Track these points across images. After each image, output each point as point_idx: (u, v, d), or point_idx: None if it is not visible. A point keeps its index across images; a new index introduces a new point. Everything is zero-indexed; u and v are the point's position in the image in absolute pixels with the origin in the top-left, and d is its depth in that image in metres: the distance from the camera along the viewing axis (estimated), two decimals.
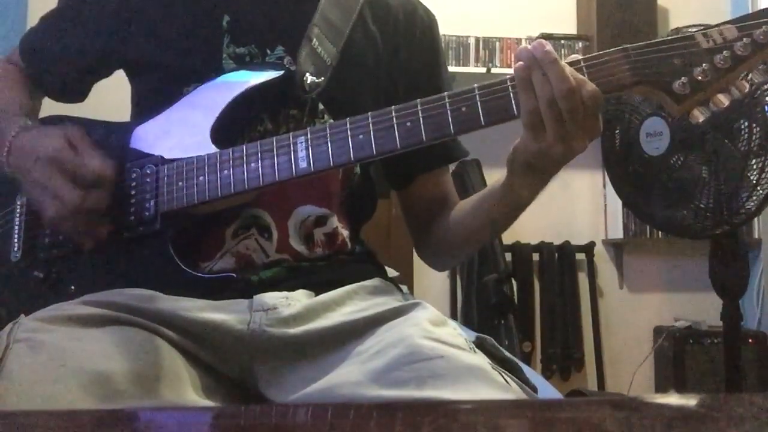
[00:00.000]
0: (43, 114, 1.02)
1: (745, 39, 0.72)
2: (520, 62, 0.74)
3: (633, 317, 3.31)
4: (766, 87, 1.66)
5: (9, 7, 2.68)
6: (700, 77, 0.73)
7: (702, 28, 0.75)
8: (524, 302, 3.09)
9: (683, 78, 0.73)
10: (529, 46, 0.74)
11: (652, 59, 0.75)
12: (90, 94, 1.05)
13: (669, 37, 0.76)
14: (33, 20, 1.06)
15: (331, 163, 0.79)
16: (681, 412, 0.50)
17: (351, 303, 0.85)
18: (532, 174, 0.80)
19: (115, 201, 0.84)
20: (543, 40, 0.74)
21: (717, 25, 0.74)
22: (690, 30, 0.76)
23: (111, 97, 1.13)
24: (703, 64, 0.73)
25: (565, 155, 0.75)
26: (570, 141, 0.74)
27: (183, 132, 0.86)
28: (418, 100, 0.78)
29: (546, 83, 0.72)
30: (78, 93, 1.03)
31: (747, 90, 0.74)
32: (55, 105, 1.04)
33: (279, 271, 0.86)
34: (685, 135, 1.85)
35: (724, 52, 0.72)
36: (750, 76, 0.73)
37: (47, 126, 0.90)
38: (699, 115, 0.75)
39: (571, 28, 3.37)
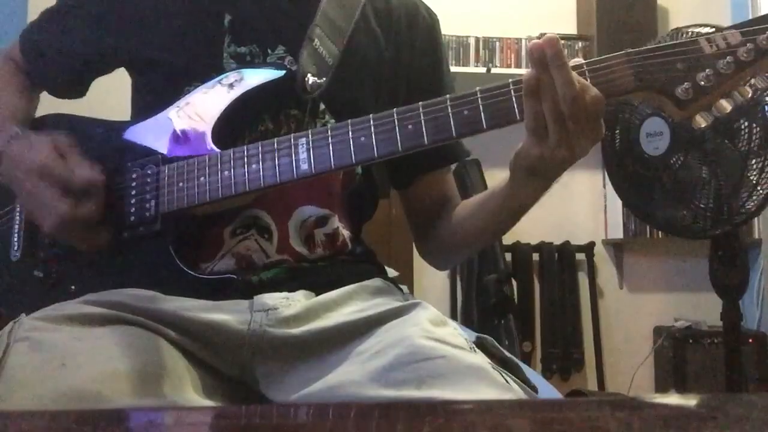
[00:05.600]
0: (43, 111, 1.02)
1: (748, 44, 0.71)
2: (531, 70, 0.73)
3: (633, 317, 3.31)
4: None
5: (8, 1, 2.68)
6: (703, 82, 0.72)
7: (710, 31, 0.74)
8: (524, 302, 3.09)
9: (686, 83, 0.73)
10: (541, 41, 0.72)
11: (655, 64, 0.74)
12: (90, 93, 1.05)
13: (672, 42, 0.75)
14: (33, 13, 1.06)
15: (332, 165, 0.79)
16: (681, 412, 0.51)
17: (351, 303, 0.85)
18: (534, 178, 0.80)
19: (113, 204, 0.84)
20: (555, 36, 0.72)
21: (720, 30, 0.73)
22: (691, 31, 0.75)
23: (111, 95, 1.13)
24: (707, 70, 0.72)
25: (568, 159, 0.75)
26: (572, 145, 0.74)
27: (183, 132, 0.86)
28: (420, 103, 0.78)
29: (551, 87, 0.72)
30: (77, 89, 1.03)
31: (750, 95, 0.73)
32: (55, 102, 1.04)
33: (279, 271, 0.86)
34: (685, 135, 1.85)
35: (728, 57, 0.71)
36: (753, 81, 0.72)
37: (36, 134, 0.89)
38: (701, 121, 0.74)
39: (571, 28, 3.37)
